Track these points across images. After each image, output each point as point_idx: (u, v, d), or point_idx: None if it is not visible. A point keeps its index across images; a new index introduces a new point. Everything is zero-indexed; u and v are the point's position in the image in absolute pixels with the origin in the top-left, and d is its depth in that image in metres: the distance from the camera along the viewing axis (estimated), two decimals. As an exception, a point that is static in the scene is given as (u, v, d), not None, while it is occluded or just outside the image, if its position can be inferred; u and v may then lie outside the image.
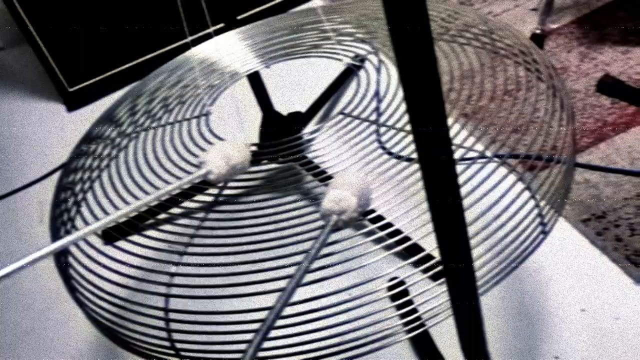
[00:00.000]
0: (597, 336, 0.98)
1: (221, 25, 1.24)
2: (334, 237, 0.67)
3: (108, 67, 1.76)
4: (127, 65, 1.77)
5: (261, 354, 0.63)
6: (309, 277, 0.62)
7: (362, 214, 0.65)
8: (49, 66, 1.71)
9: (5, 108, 1.88)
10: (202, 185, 0.86)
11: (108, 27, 1.71)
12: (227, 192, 0.88)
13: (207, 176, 0.72)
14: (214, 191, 0.85)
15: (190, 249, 0.74)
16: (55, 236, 0.82)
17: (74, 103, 1.78)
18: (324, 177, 0.96)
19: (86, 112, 1.76)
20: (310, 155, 0.98)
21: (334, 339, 0.64)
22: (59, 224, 0.82)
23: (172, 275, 0.71)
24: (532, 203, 0.74)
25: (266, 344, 0.64)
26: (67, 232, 0.82)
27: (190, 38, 1.34)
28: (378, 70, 1.03)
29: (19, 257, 0.57)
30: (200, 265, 0.70)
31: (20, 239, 1.44)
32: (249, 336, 0.56)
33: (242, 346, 0.47)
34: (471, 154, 0.83)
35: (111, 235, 0.82)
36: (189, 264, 0.71)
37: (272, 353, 0.65)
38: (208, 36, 1.25)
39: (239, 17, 1.31)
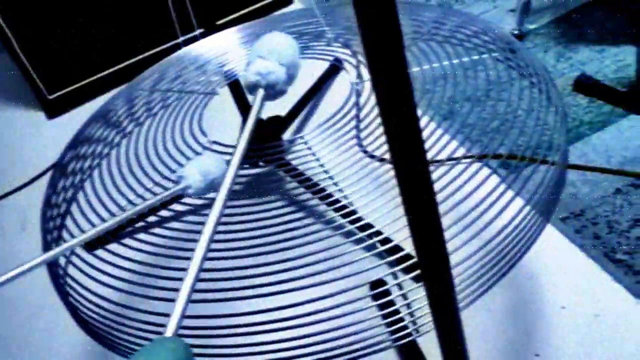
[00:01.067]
0: (577, 333, 0.99)
1: (200, 30, 1.24)
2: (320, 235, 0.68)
3: (87, 74, 1.75)
4: (105, 72, 1.76)
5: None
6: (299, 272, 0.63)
7: (290, 83, 0.63)
8: (28, 74, 1.69)
9: (-15, 117, 1.87)
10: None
11: (86, 34, 1.70)
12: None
13: (185, 191, 0.72)
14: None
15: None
16: (46, 241, 0.82)
17: (54, 110, 1.77)
18: (303, 180, 0.97)
19: (66, 119, 1.74)
20: (290, 158, 0.99)
21: (319, 340, 0.65)
22: (50, 228, 0.83)
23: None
24: (521, 205, 0.74)
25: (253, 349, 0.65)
26: (58, 239, 0.82)
27: (181, 39, 1.34)
28: (357, 70, 1.04)
29: (10, 267, 0.57)
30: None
31: (3, 246, 1.43)
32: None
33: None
34: (458, 154, 0.84)
35: (93, 245, 0.83)
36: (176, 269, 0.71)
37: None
38: (187, 43, 1.26)
39: (218, 22, 1.31)
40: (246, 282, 0.68)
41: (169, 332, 0.43)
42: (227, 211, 0.75)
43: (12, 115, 1.84)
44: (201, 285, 0.66)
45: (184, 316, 0.45)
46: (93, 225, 0.66)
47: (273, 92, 0.61)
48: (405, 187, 0.49)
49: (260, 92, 0.60)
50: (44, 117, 1.79)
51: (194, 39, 1.43)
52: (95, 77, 1.76)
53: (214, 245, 0.65)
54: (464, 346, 0.68)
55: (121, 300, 0.74)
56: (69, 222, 0.85)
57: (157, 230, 0.82)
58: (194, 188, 0.72)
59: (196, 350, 0.67)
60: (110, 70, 1.77)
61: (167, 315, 0.45)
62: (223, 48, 1.14)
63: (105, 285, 0.76)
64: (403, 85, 0.41)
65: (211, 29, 1.25)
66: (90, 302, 0.77)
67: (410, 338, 0.68)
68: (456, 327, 0.64)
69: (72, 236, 0.82)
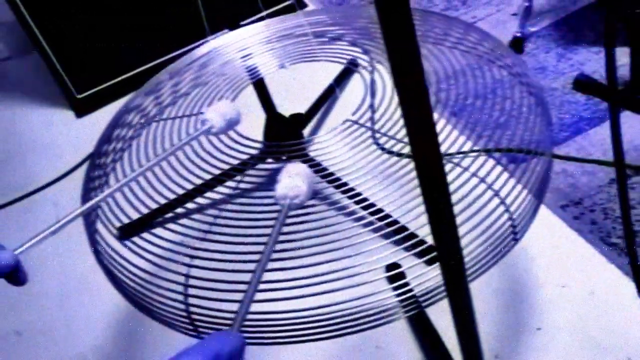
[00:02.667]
0: (575, 309, 1.09)
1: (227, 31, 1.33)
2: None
3: (115, 74, 1.85)
4: (133, 72, 1.86)
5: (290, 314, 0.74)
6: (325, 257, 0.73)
7: (310, 197, 0.77)
8: (58, 74, 1.79)
9: (17, 116, 1.96)
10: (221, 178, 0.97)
11: (113, 36, 1.80)
12: (242, 186, 0.99)
13: (210, 130, 0.90)
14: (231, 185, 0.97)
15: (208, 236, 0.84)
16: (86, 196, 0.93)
17: (82, 109, 1.87)
18: (324, 174, 1.07)
19: (95, 118, 1.85)
20: (312, 155, 1.08)
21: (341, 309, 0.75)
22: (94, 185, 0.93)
23: (191, 257, 0.82)
24: (517, 190, 0.84)
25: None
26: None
27: (211, 36, 1.43)
28: (371, 72, 1.14)
29: (46, 258, 0.67)
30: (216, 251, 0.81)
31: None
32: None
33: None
34: (463, 149, 0.94)
35: (127, 231, 0.93)
36: (205, 250, 0.81)
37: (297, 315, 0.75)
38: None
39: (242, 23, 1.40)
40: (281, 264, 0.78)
41: (235, 328, 0.53)
42: (256, 201, 0.85)
43: (43, 114, 1.94)
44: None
45: (247, 312, 0.55)
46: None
47: (296, 204, 0.75)
48: (424, 178, 0.59)
49: (287, 202, 0.74)
50: (73, 116, 1.89)
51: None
52: (121, 78, 1.86)
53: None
54: (473, 315, 0.79)
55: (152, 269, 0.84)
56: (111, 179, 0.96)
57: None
58: (217, 127, 0.90)
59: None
60: (137, 70, 1.87)
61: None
62: (244, 44, 1.23)
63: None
64: (419, 85, 0.51)
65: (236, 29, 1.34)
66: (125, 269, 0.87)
67: (421, 308, 0.78)
68: (466, 297, 0.75)
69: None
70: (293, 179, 0.75)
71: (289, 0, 2.01)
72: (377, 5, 0.46)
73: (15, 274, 0.63)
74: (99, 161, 1.01)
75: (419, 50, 0.49)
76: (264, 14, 1.92)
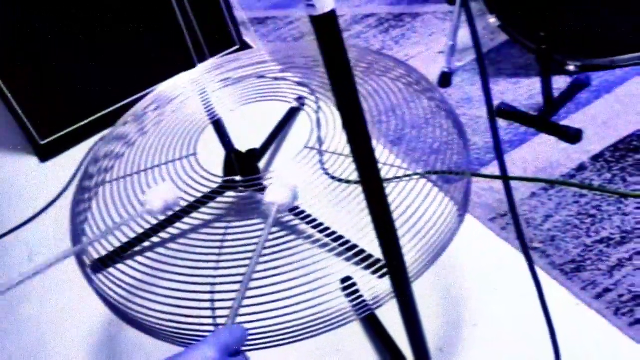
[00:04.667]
0: (506, 306, 1.26)
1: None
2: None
3: (77, 119, 1.96)
4: (94, 117, 1.98)
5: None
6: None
7: (293, 204, 0.92)
8: (20, 121, 1.88)
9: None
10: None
11: (75, 80, 1.92)
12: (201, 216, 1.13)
13: (149, 212, 1.01)
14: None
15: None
16: (75, 235, 1.05)
17: (46, 154, 1.97)
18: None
19: (59, 162, 1.96)
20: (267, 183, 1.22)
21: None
22: (79, 222, 1.06)
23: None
24: (448, 204, 1.00)
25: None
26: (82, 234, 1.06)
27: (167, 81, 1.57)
28: (317, 109, 1.29)
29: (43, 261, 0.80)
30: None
31: (14, 276, 1.63)
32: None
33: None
34: (401, 172, 1.11)
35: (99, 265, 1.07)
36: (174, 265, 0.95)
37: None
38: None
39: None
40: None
41: (230, 321, 0.67)
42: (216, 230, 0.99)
43: (7, 161, 2.04)
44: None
45: (240, 307, 0.70)
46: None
47: (283, 208, 0.90)
48: (370, 199, 0.74)
49: (275, 207, 0.89)
50: (37, 161, 1.99)
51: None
52: (83, 122, 1.98)
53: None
54: (418, 315, 0.94)
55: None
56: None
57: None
58: (155, 210, 1.00)
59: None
60: (98, 115, 1.99)
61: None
62: (202, 86, 1.37)
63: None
64: (359, 120, 0.66)
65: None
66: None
67: (371, 310, 0.94)
68: (411, 300, 0.90)
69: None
70: (279, 188, 0.90)
71: (235, 46, 2.17)
72: (325, 63, 0.61)
73: None
74: (79, 209, 1.13)
75: (359, 100, 0.65)
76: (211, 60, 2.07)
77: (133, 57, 1.97)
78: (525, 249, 0.89)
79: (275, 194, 0.91)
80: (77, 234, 1.07)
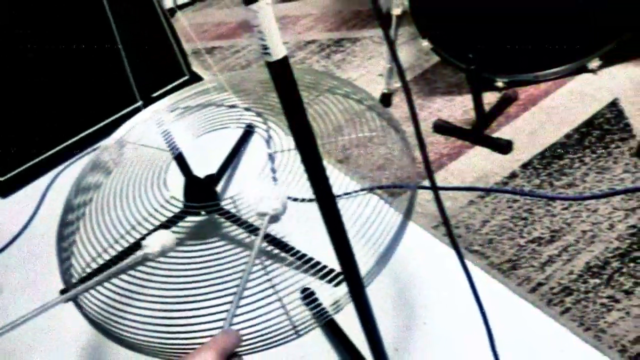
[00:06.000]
0: (452, 304, 1.39)
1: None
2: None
3: (35, 154, 2.03)
4: (52, 151, 2.06)
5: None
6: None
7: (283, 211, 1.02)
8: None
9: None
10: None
11: (31, 116, 1.99)
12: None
13: (147, 256, 1.08)
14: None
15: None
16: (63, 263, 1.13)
17: (6, 190, 2.03)
18: (236, 221, 1.32)
19: (19, 197, 2.02)
20: (227, 208, 1.32)
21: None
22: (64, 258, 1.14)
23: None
24: (392, 215, 1.12)
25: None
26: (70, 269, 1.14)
27: (116, 116, 1.66)
28: (267, 132, 1.40)
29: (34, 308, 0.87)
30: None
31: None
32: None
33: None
34: (351, 188, 1.22)
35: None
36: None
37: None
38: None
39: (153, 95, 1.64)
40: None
41: (226, 325, 0.77)
42: (182, 253, 1.09)
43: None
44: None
45: (234, 315, 0.79)
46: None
47: (275, 218, 1.00)
48: (325, 214, 0.85)
49: (267, 217, 0.98)
50: (-2, 197, 2.05)
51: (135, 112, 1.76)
52: (41, 158, 2.05)
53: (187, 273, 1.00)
54: (373, 317, 1.04)
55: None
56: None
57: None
58: (152, 254, 1.07)
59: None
60: (56, 148, 2.06)
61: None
62: (160, 119, 1.46)
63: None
64: (310, 141, 0.77)
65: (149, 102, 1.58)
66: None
67: (330, 316, 1.04)
68: (366, 301, 1.00)
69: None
70: (269, 198, 1.00)
71: (184, 76, 2.27)
72: (280, 98, 0.72)
73: None
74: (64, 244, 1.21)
75: (309, 125, 0.76)
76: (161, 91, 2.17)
77: (85, 91, 2.05)
78: (458, 251, 1.00)
79: (265, 205, 1.00)
80: (66, 268, 1.15)
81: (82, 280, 1.14)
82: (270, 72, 0.68)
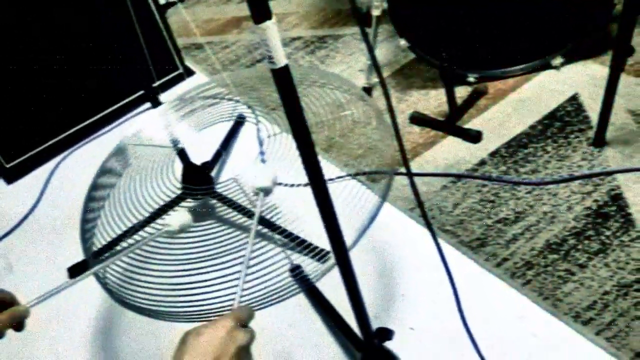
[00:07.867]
0: (426, 278, 1.55)
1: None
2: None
3: (39, 142, 2.16)
4: (56, 139, 2.18)
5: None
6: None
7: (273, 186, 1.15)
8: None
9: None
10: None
11: (36, 103, 2.09)
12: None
13: (169, 233, 1.21)
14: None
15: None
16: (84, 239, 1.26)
17: (12, 177, 2.15)
18: (231, 204, 1.46)
19: (25, 183, 2.15)
20: (221, 191, 1.45)
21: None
22: (88, 236, 1.28)
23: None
24: (370, 197, 1.27)
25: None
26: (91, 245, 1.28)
27: (119, 105, 1.79)
28: (257, 121, 1.53)
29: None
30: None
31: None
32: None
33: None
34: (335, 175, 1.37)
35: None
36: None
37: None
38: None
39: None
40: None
41: (236, 302, 0.89)
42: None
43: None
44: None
45: (243, 290, 0.92)
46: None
47: (268, 191, 1.13)
48: (318, 196, 0.99)
49: (262, 194, 1.12)
50: (3, 184, 2.17)
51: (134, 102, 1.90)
52: (45, 145, 2.17)
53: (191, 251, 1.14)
54: (357, 287, 1.19)
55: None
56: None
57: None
58: (175, 230, 1.19)
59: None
60: (62, 136, 2.19)
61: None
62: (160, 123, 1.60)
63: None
64: (303, 129, 0.92)
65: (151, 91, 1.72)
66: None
67: (316, 281, 1.19)
68: (350, 268, 1.16)
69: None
70: (265, 174, 1.13)
71: (178, 70, 2.41)
72: (282, 99, 0.87)
73: (22, 323, 0.80)
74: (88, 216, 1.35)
75: (307, 124, 0.91)
76: (157, 83, 2.31)
77: (90, 81, 2.17)
78: (432, 230, 1.15)
79: (260, 181, 1.13)
80: (86, 240, 1.29)
81: (97, 253, 1.29)
82: (274, 77, 0.83)
